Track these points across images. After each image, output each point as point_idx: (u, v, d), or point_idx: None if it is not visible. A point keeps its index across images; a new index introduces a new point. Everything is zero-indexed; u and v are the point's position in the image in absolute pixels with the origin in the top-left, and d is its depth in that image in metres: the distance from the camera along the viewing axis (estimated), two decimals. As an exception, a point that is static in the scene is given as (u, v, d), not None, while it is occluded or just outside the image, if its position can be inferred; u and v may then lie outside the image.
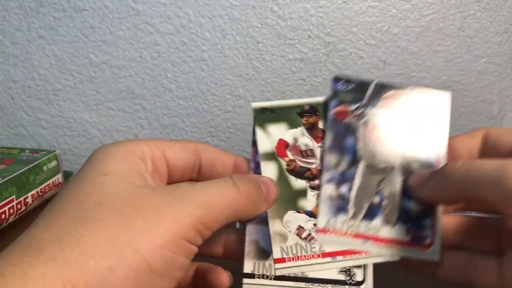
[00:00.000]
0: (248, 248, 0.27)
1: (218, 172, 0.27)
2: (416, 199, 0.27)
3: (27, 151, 0.51)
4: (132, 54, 0.57)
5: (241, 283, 0.26)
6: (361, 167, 0.27)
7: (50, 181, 0.49)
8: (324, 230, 0.26)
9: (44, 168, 0.48)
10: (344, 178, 0.27)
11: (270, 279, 0.26)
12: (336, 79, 0.28)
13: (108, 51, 0.57)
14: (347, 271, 0.27)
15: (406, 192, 0.27)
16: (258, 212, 0.26)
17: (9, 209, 0.42)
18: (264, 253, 0.27)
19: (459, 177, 0.23)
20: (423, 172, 0.27)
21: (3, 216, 0.42)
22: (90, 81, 0.58)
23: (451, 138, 0.28)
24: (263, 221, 0.27)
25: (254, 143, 0.28)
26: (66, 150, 0.61)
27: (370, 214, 0.27)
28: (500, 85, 0.61)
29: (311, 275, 0.26)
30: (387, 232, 0.26)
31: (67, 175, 0.55)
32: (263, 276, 0.26)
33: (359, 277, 0.27)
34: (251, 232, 0.27)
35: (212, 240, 0.27)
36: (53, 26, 0.56)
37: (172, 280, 0.21)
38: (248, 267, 0.26)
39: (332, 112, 0.27)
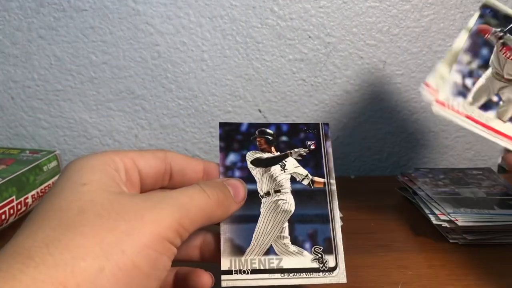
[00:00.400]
0: (224, 246, 0.28)
1: (189, 178, 0.29)
2: None
3: (27, 152, 0.51)
4: (132, 54, 0.57)
5: (219, 281, 0.27)
6: (488, 72, 0.34)
7: (50, 182, 0.49)
8: (442, 103, 0.32)
9: (44, 168, 0.48)
10: (471, 74, 0.33)
11: (247, 273, 0.28)
12: (485, 6, 0.37)
13: (108, 51, 0.57)
14: (320, 259, 0.29)
15: None
16: (229, 213, 0.28)
17: (9, 209, 0.42)
18: (239, 249, 0.28)
19: None
20: None
21: (3, 216, 0.42)
22: (90, 81, 0.58)
23: None
24: (236, 220, 0.29)
25: (222, 149, 0.31)
26: (66, 151, 0.61)
27: (486, 107, 0.33)
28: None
29: (286, 266, 0.28)
30: (498, 124, 0.32)
31: (67, 175, 0.55)
32: (240, 271, 0.28)
33: (331, 263, 0.29)
34: (225, 231, 0.29)
35: (189, 244, 0.29)
36: (53, 26, 0.56)
37: (157, 280, 0.22)
38: (225, 264, 0.28)
39: (476, 27, 0.36)
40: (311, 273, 0.28)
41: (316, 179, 0.31)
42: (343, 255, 0.29)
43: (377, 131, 0.62)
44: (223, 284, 0.27)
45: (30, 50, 0.57)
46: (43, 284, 0.18)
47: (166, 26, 0.56)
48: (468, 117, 0.32)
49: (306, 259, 0.28)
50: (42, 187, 0.47)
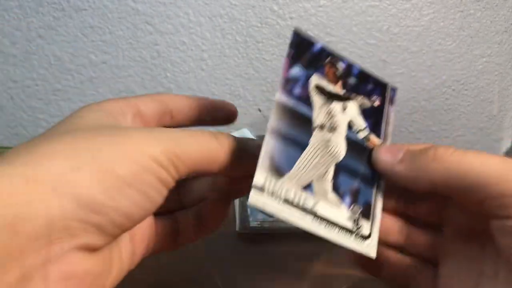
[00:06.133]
0: (263, 158, 0.23)
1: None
2: (385, 175, 0.26)
3: (27, 151, 0.51)
4: (131, 54, 0.57)
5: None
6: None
7: (49, 181, 0.49)
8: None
9: (44, 168, 0.48)
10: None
11: (279, 201, 0.23)
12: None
13: (108, 51, 0.57)
14: (356, 220, 0.25)
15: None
16: (239, 163, 0.24)
17: (8, 209, 0.42)
18: (278, 170, 0.24)
19: (451, 164, 0.22)
20: (392, 146, 0.26)
21: (2, 216, 0.42)
22: (89, 81, 0.58)
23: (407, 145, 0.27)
24: (282, 137, 0.25)
25: (289, 56, 0.26)
26: (65, 150, 0.61)
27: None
28: (500, 84, 0.61)
29: (320, 211, 0.24)
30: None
31: (67, 175, 0.55)
32: (272, 194, 0.23)
33: (365, 231, 0.25)
34: (268, 144, 0.24)
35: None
36: (52, 26, 0.56)
37: (145, 196, 0.20)
38: (259, 178, 0.23)
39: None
40: (343, 232, 0.24)
41: (373, 137, 0.27)
42: (379, 229, 0.25)
43: (377, 130, 0.62)
44: (251, 199, 0.23)
45: (30, 50, 0.57)
46: (14, 174, 0.17)
47: (166, 26, 0.56)
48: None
49: (342, 214, 0.25)
50: (41, 187, 0.47)
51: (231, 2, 0.56)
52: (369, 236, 0.25)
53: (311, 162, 0.25)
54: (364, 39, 0.58)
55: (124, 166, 0.19)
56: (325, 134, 0.26)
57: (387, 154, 0.25)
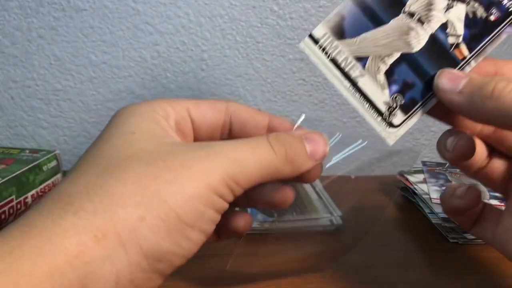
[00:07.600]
0: (331, 17, 0.24)
1: (249, 133, 0.26)
2: (440, 99, 0.25)
3: (27, 151, 0.51)
4: (132, 54, 0.57)
5: None
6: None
7: (50, 181, 0.49)
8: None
9: (44, 168, 0.48)
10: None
11: (327, 56, 0.24)
12: None
13: (108, 51, 0.57)
14: (391, 108, 0.25)
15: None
16: (303, 171, 0.24)
17: (9, 209, 0.42)
18: (340, 32, 0.24)
19: (507, 102, 0.21)
20: (455, 73, 0.24)
21: (2, 216, 0.42)
22: (89, 81, 0.58)
23: (498, 60, 0.26)
24: (363, 6, 0.25)
25: None
26: (66, 150, 0.61)
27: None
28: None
29: (361, 84, 0.25)
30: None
31: (67, 175, 0.55)
32: (323, 50, 0.24)
33: (396, 121, 0.25)
34: (345, 8, 0.24)
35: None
36: (53, 26, 0.56)
37: (202, 232, 0.20)
38: (318, 31, 0.24)
39: None
40: (373, 110, 0.25)
41: (463, 48, 0.25)
42: (409, 128, 0.25)
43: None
44: (302, 44, 0.24)
45: (30, 50, 0.57)
46: (83, 229, 0.18)
47: (166, 26, 0.56)
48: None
49: (381, 97, 0.25)
50: (41, 186, 0.47)
51: (231, 2, 0.56)
52: (398, 126, 0.25)
53: (381, 40, 0.25)
54: (364, 39, 0.58)
55: (187, 208, 0.19)
56: (412, 22, 0.25)
57: (448, 82, 0.24)
